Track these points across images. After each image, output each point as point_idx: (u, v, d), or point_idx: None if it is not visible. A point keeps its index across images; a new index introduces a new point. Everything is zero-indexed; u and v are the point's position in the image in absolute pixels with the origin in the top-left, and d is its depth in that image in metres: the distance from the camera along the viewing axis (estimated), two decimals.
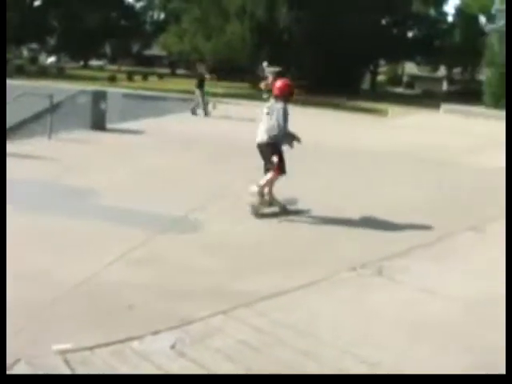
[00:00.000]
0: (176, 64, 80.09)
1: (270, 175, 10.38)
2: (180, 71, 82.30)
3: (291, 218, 10.21)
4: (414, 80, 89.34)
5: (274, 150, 10.37)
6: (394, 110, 29.42)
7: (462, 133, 22.37)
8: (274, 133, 10.25)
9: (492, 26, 64.31)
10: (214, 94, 32.07)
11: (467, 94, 65.61)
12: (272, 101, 10.54)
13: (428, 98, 56.05)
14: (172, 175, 12.81)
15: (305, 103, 34.37)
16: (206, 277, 7.13)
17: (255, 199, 10.31)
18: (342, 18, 51.92)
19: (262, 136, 10.40)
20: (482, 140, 21.84)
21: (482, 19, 79.92)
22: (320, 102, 37.16)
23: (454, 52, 75.96)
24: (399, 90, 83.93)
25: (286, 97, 10.49)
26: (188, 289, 6.70)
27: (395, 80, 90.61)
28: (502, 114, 32.53)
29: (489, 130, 22.47)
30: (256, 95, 41.22)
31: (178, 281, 6.95)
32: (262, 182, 10.38)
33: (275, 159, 10.32)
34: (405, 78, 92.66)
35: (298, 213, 10.54)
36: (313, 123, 24.61)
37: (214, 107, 26.22)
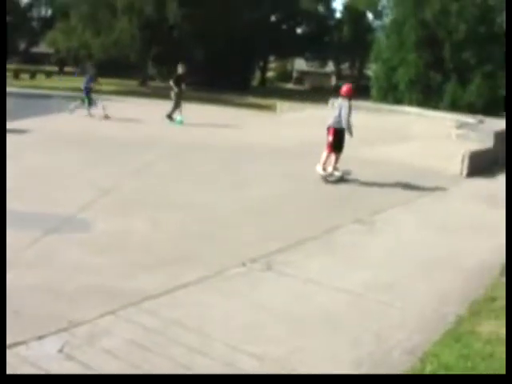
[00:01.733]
0: (64, 62, 78.43)
1: (325, 154, 14.29)
2: (68, 69, 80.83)
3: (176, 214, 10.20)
4: (303, 76, 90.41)
5: (335, 134, 14.27)
6: (283, 106, 29.64)
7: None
8: (339, 124, 14.19)
9: (379, 22, 65.85)
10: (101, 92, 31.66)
11: (355, 88, 67.02)
12: (340, 99, 14.62)
13: (317, 94, 56.82)
14: (57, 174, 12.57)
15: (195, 100, 34.36)
16: (94, 277, 7.02)
17: (321, 172, 14.18)
18: (231, 14, 52.06)
19: (332, 123, 14.34)
20: (366, 134, 22.20)
21: (370, 15, 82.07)
22: (210, 99, 37.15)
23: (342, 47, 77.53)
24: (289, 85, 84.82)
25: (350, 96, 14.59)
26: (76, 290, 6.58)
27: (285, 76, 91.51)
28: (389, 107, 33.45)
29: (375, 124, 22.90)
30: (145, 92, 40.98)
31: (67, 282, 6.81)
32: (322, 160, 14.24)
33: (330, 139, 14.29)
34: (294, 74, 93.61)
35: (351, 181, 14.21)
36: (201, 119, 24.61)
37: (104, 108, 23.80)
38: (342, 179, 14.19)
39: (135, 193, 11.51)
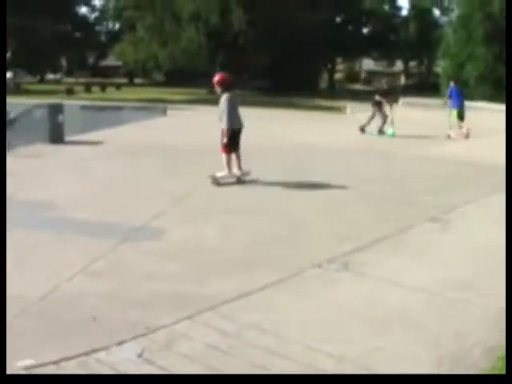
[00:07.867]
0: (133, 73, 79.59)
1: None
2: (137, 80, 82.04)
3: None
4: (371, 76, 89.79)
5: (224, 134, 12.77)
6: (353, 107, 29.47)
7: (422, 125, 22.46)
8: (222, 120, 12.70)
9: (446, 18, 64.96)
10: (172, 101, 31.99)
11: (425, 86, 66.26)
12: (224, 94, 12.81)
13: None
14: (130, 185, 12.68)
15: (265, 105, 34.48)
16: (169, 283, 7.06)
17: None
18: (296, 17, 52.02)
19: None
20: (437, 131, 21.97)
21: (436, 12, 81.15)
22: (279, 103, 37.19)
23: (409, 46, 76.77)
24: (357, 86, 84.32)
25: (225, 87, 12.90)
26: (152, 296, 6.62)
27: (353, 77, 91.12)
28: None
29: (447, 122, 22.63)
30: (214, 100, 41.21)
31: (142, 289, 6.87)
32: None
33: (225, 140, 12.76)
34: (362, 75, 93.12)
35: (251, 182, 13.00)
36: (273, 124, 24.62)
37: None
38: (239, 181, 13.06)
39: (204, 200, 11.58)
